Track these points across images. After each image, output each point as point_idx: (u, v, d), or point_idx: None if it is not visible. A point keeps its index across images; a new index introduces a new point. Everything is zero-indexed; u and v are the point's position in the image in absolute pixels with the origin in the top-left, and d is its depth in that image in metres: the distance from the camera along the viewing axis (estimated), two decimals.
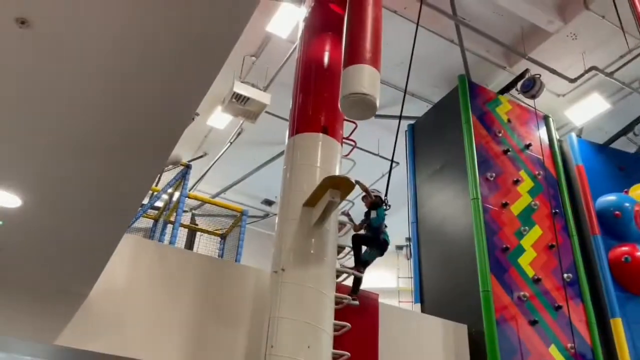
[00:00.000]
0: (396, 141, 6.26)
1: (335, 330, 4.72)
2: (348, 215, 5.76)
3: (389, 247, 5.72)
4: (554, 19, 8.90)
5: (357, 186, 4.98)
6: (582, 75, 9.41)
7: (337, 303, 4.92)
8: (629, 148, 10.22)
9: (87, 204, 3.19)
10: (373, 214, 5.48)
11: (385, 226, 5.58)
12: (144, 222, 8.36)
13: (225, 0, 2.15)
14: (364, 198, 5.64)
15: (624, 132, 10.20)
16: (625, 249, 7.84)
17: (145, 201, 7.74)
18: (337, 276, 5.13)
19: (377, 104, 4.57)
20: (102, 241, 3.57)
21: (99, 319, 4.55)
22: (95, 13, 2.18)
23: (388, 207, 5.59)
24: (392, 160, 6.29)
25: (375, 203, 5.50)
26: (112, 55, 2.36)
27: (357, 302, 5.28)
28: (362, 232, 5.60)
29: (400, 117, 6.33)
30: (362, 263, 5.44)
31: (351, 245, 5.56)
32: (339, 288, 5.18)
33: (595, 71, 9.34)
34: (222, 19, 2.23)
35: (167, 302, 4.93)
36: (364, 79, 4.51)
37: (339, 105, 4.71)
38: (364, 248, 5.53)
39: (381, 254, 5.55)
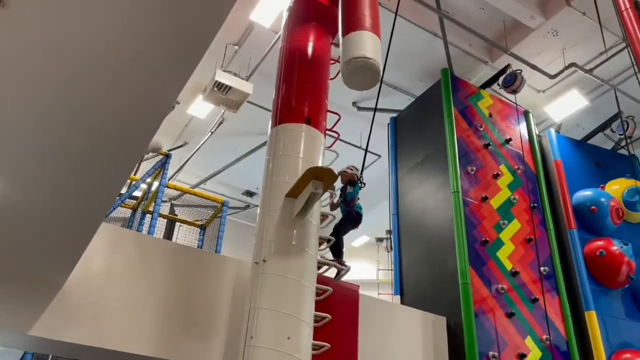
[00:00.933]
0: (370, 132, 6.24)
1: (315, 321, 4.71)
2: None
3: (369, 239, 5.88)
4: (535, 14, 8.98)
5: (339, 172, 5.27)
6: (562, 71, 9.53)
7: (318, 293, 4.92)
8: (606, 144, 10.39)
9: (64, 191, 3.11)
10: (350, 189, 5.78)
11: (358, 198, 5.87)
12: (122, 212, 8.24)
13: None
14: (340, 172, 5.85)
15: (601, 128, 10.36)
16: (600, 243, 7.98)
17: (124, 190, 7.62)
18: (319, 268, 5.12)
19: (381, 69, 4.46)
20: (79, 230, 3.49)
21: (74, 309, 4.46)
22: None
23: (363, 185, 5.87)
24: (366, 149, 6.27)
25: (352, 180, 5.80)
26: (89, 43, 2.28)
27: (346, 266, 5.49)
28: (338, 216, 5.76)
29: (375, 109, 6.27)
30: (336, 239, 5.62)
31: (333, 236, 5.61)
32: (319, 279, 5.16)
33: (574, 68, 9.46)
34: (204, 7, 2.16)
35: (144, 293, 4.86)
36: (366, 44, 4.41)
37: (325, 91, 4.62)
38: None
39: (355, 226, 5.86)
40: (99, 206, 3.24)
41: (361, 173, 5.92)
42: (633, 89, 8.78)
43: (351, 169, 5.97)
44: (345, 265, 5.58)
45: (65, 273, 4.19)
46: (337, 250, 5.66)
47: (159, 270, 5.02)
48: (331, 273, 5.55)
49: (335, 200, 5.87)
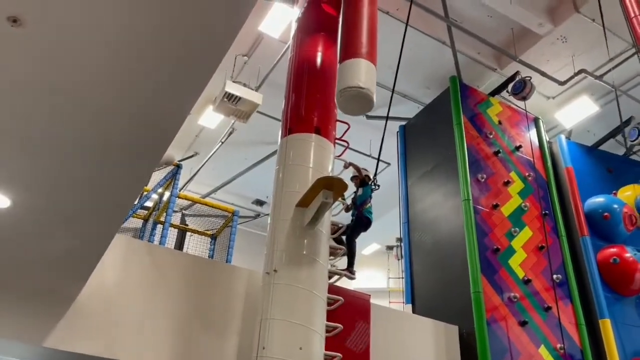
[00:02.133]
0: (382, 140, 6.27)
1: (327, 331, 4.71)
2: (349, 164, 5.97)
3: (379, 247, 5.92)
4: (544, 21, 8.97)
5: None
6: (571, 77, 9.50)
7: (329, 304, 4.92)
8: (618, 150, 10.31)
9: (78, 205, 3.15)
10: (360, 191, 5.82)
11: (370, 201, 5.86)
12: (134, 222, 8.30)
13: (220, 5, 2.12)
14: (353, 178, 5.92)
15: (612, 134, 10.29)
16: (613, 250, 7.91)
17: (135, 201, 7.68)
18: (329, 277, 5.13)
19: (374, 99, 4.55)
20: (93, 243, 3.53)
21: (88, 320, 4.49)
22: (89, 15, 2.15)
23: (377, 187, 5.91)
24: (378, 158, 6.30)
25: (363, 181, 5.82)
26: (105, 57, 2.32)
27: (354, 277, 5.48)
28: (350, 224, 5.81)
29: (387, 118, 6.31)
30: (348, 245, 5.65)
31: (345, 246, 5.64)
32: (331, 289, 5.17)
33: (584, 74, 9.43)
34: (217, 23, 2.20)
35: (157, 304, 4.89)
36: (360, 72, 4.49)
37: (335, 100, 4.69)
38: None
39: (365, 230, 5.85)
40: (112, 219, 3.28)
41: (374, 176, 5.95)
42: None
43: (364, 170, 6.01)
44: (354, 274, 5.58)
45: (79, 285, 4.23)
46: (349, 257, 5.68)
47: (171, 281, 5.05)
48: (343, 282, 5.55)
49: (348, 205, 5.93)
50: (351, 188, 5.87)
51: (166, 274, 5.07)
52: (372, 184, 5.86)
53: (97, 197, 3.08)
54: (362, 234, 5.90)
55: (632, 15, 4.59)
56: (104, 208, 3.16)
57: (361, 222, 5.77)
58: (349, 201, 6.06)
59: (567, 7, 8.83)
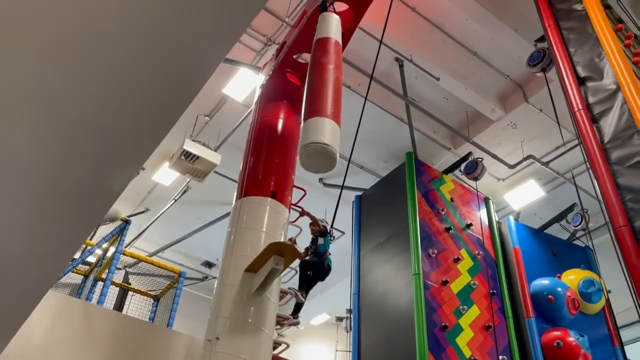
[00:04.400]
0: (336, 209, 6.28)
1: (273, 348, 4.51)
2: (294, 242, 5.87)
3: (329, 317, 5.84)
4: (496, 108, 9.50)
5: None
6: (520, 162, 9.96)
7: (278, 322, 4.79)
8: (562, 235, 10.70)
9: (8, 254, 2.94)
10: (320, 240, 5.77)
11: (330, 253, 5.87)
12: (73, 278, 7.87)
13: (178, 71, 2.08)
14: (311, 225, 5.93)
15: (557, 218, 10.71)
16: (557, 333, 7.99)
17: (77, 255, 7.33)
18: (280, 297, 5.07)
19: (337, 157, 4.52)
20: (22, 297, 3.28)
21: None
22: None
23: (333, 238, 5.96)
24: (332, 225, 6.30)
25: (323, 232, 5.83)
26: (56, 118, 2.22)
27: (298, 321, 5.39)
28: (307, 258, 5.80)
29: (342, 186, 6.35)
30: (304, 289, 5.60)
31: (298, 273, 5.67)
32: (274, 359, 4.96)
33: (532, 159, 9.91)
34: (174, 86, 2.16)
35: None
36: (325, 130, 4.48)
37: (293, 166, 4.68)
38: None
39: (322, 279, 5.84)
40: (45, 276, 3.06)
41: (331, 227, 5.95)
42: (587, 183, 9.20)
43: (321, 221, 6.01)
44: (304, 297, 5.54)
45: (3, 343, 3.89)
46: (300, 305, 5.60)
47: (104, 344, 4.74)
48: (287, 353, 5.35)
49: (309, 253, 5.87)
50: (308, 235, 5.95)
51: (100, 337, 4.76)
52: (330, 235, 5.89)
53: (32, 249, 2.89)
54: (311, 304, 5.82)
55: (576, 109, 4.92)
56: (37, 262, 2.96)
57: (322, 269, 5.76)
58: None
59: (517, 97, 9.42)
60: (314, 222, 5.88)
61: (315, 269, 5.74)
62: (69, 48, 1.90)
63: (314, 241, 5.86)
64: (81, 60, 1.95)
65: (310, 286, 5.73)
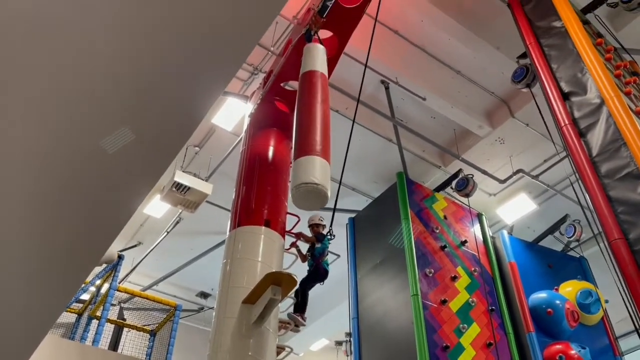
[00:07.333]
0: (330, 228, 6.26)
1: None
2: (297, 247, 5.97)
3: (328, 342, 5.82)
4: (483, 124, 9.61)
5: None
6: (510, 176, 10.03)
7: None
8: (556, 246, 10.73)
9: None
10: (317, 243, 5.79)
11: (327, 254, 5.88)
12: (67, 317, 7.73)
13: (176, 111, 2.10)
14: (310, 226, 5.98)
15: (550, 231, 10.75)
16: (559, 347, 7.96)
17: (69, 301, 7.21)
18: (279, 328, 5.05)
19: (329, 195, 4.60)
20: (18, 346, 3.21)
21: None
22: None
23: (333, 237, 5.76)
24: (331, 231, 6.27)
25: (320, 234, 5.85)
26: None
27: (305, 323, 5.45)
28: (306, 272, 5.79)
29: (334, 209, 6.34)
30: (302, 293, 5.61)
31: (297, 295, 5.62)
32: None
33: (522, 173, 9.98)
34: (169, 128, 2.17)
35: None
36: (315, 169, 4.56)
37: (285, 193, 4.70)
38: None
39: (321, 282, 5.82)
40: (40, 324, 2.99)
41: (330, 227, 5.92)
42: (578, 194, 9.27)
43: (320, 219, 6.03)
44: (304, 319, 5.52)
45: None
46: (302, 305, 5.60)
47: None
48: None
49: (305, 255, 5.89)
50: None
51: None
52: (329, 234, 5.85)
53: (26, 298, 2.84)
54: (309, 330, 5.77)
55: (563, 124, 4.99)
56: (32, 309, 2.91)
57: (318, 273, 5.74)
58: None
59: (503, 112, 9.54)
60: (306, 239, 5.89)
61: (311, 272, 5.77)
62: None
63: (312, 245, 5.90)
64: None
65: (307, 288, 5.74)
